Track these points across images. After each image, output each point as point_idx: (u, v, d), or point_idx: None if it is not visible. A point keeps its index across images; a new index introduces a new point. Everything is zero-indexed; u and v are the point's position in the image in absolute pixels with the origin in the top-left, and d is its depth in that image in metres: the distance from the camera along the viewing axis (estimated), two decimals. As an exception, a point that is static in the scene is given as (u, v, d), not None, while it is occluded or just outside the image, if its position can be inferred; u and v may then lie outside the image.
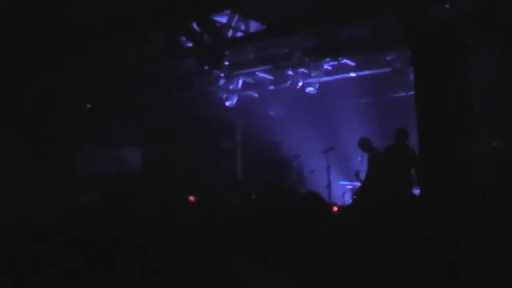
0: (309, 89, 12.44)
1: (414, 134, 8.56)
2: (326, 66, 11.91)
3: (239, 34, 10.87)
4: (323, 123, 13.31)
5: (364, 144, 10.59)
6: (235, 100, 13.46)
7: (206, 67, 11.75)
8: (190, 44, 10.78)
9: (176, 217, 6.56)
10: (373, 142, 10.63)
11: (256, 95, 13.80)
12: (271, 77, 12.89)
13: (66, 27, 8.55)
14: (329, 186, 11.43)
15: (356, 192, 10.96)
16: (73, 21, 8.41)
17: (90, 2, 8.40)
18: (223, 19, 10.65)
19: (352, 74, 11.99)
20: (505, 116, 7.63)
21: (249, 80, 13.29)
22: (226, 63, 12.14)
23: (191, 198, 10.91)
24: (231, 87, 13.16)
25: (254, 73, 12.73)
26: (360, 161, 10.67)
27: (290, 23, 9.37)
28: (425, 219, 5.38)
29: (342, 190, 11.86)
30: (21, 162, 8.80)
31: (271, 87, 13.11)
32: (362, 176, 10.55)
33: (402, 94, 12.28)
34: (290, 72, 12.20)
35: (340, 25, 9.51)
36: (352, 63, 11.71)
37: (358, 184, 10.87)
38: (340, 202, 11.19)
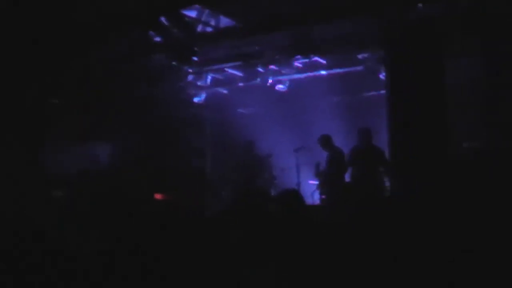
0: (280, 87, 12.54)
1: (382, 133, 8.86)
2: (296, 64, 12.01)
3: (209, 29, 10.94)
4: (294, 121, 13.40)
5: (325, 141, 10.86)
6: (203, 96, 13.48)
7: (174, 63, 11.81)
8: (159, 39, 10.80)
9: (142, 216, 6.49)
10: (344, 141, 10.92)
11: (225, 91, 13.84)
12: (241, 74, 12.95)
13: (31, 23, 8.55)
14: (298, 185, 11.53)
15: (321, 191, 11.14)
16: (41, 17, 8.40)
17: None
18: (193, 14, 10.69)
19: (323, 72, 12.13)
20: (477, 117, 7.89)
21: (219, 76, 13.33)
22: (195, 59, 12.04)
23: (158, 196, 10.94)
24: (199, 83, 13.20)
25: (223, 69, 12.77)
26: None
27: (263, 21, 9.46)
28: (398, 222, 5.42)
29: (311, 189, 11.93)
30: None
31: (241, 84, 13.16)
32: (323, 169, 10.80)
33: (374, 93, 12.43)
34: (260, 69, 12.28)
35: (315, 24, 9.62)
36: (323, 61, 11.86)
37: (317, 178, 11.13)
38: (308, 201, 11.03)
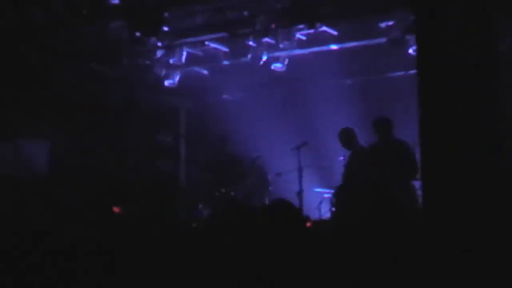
0: (276, 66, 12.41)
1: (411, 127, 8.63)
2: (298, 35, 11.88)
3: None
4: (294, 111, 13.45)
5: (348, 137, 10.69)
6: (177, 78, 13.33)
7: (138, 34, 11.61)
8: (117, 2, 10.80)
9: (94, 233, 6.44)
10: (360, 136, 10.74)
11: (205, 72, 13.81)
12: (225, 49, 12.87)
13: None
14: (300, 193, 11.40)
15: (335, 203, 10.96)
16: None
17: None
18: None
19: (334, 47, 12.05)
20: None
21: (197, 52, 13.20)
22: (166, 28, 11.99)
23: (116, 209, 10.77)
24: (172, 61, 12.97)
25: (203, 42, 12.65)
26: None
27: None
28: (428, 242, 5.51)
29: (318, 199, 11.93)
30: None
31: (226, 62, 13.11)
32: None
33: (400, 73, 12.51)
34: (251, 43, 12.16)
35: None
36: (334, 32, 11.76)
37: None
38: (315, 215, 11.28)
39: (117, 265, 5.41)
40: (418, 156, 8.73)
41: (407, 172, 9.96)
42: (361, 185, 10.31)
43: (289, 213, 5.63)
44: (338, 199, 10.84)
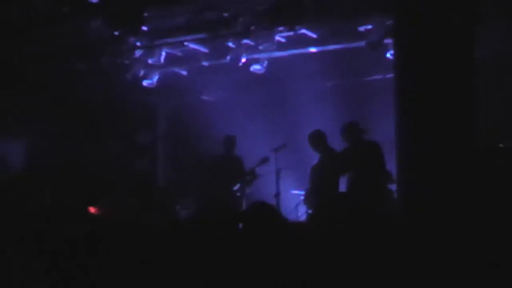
0: (255, 67, 12.45)
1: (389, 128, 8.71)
2: (278, 38, 11.86)
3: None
4: (273, 112, 13.46)
5: (318, 140, 10.82)
6: (155, 78, 13.32)
7: (117, 32, 11.55)
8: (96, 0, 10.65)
9: (72, 235, 6.35)
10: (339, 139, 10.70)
11: (184, 73, 13.71)
12: (205, 50, 12.79)
13: None
14: (277, 195, 11.47)
15: (308, 203, 11.06)
16: None
17: None
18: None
19: (313, 49, 12.03)
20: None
21: (176, 52, 13.14)
22: (145, 28, 11.88)
23: (92, 209, 10.70)
24: (150, 61, 12.89)
25: (182, 43, 12.56)
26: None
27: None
28: (405, 244, 5.33)
29: (295, 202, 11.95)
30: None
31: (205, 63, 13.00)
32: None
33: (378, 76, 12.53)
34: (230, 44, 12.13)
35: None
36: (313, 35, 11.73)
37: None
38: (291, 217, 11.24)
39: (92, 266, 5.36)
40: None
41: (377, 175, 10.16)
42: (330, 190, 10.40)
43: (271, 216, 5.60)
44: (308, 203, 10.99)
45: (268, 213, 5.52)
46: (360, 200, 9.39)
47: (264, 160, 11.87)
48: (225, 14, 11.56)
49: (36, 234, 5.84)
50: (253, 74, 12.56)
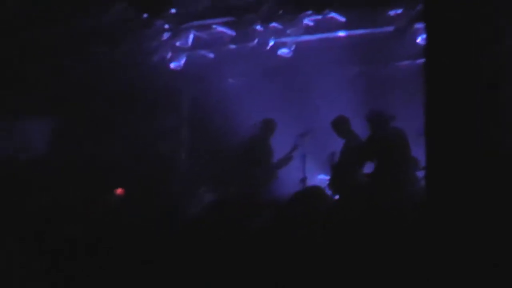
0: (283, 51, 12.37)
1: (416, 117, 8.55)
2: (306, 22, 11.82)
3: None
4: (299, 97, 13.32)
5: (342, 125, 10.96)
6: (182, 61, 13.19)
7: (144, 15, 11.59)
8: None
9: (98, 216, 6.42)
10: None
11: (211, 55, 13.68)
12: (232, 33, 12.72)
13: None
14: (304, 181, 11.47)
15: (333, 189, 11.08)
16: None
17: None
18: None
19: (341, 34, 11.99)
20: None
21: (203, 35, 13.07)
22: (173, 11, 11.95)
23: (119, 191, 10.79)
24: (178, 43, 12.86)
25: (210, 26, 12.56)
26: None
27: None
28: (430, 236, 5.40)
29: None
30: None
31: (232, 46, 12.98)
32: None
33: (407, 62, 12.39)
34: (258, 28, 12.07)
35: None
36: (342, 19, 11.70)
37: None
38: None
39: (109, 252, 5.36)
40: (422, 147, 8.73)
41: (403, 163, 10.07)
42: (355, 176, 10.50)
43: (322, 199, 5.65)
44: (333, 188, 10.97)
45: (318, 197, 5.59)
46: (384, 190, 9.40)
47: (296, 147, 11.83)
48: None
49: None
50: (280, 58, 12.48)
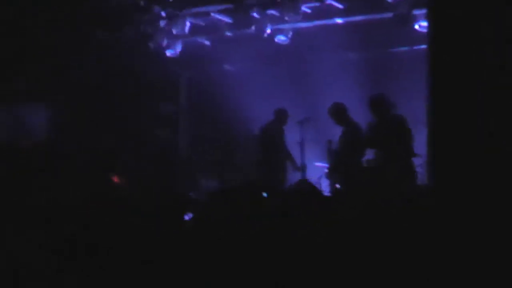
0: (280, 38, 12.35)
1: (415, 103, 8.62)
2: (304, 8, 11.79)
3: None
4: (297, 84, 13.21)
5: (339, 113, 10.85)
6: (179, 48, 13.17)
7: (142, 2, 11.67)
8: None
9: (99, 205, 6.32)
10: (363, 112, 10.68)
11: (207, 43, 13.62)
12: (229, 20, 12.66)
13: None
14: (303, 168, 11.56)
15: (332, 177, 11.07)
16: None
17: None
18: None
19: (339, 20, 11.97)
20: None
21: (199, 22, 13.04)
22: None
23: (115, 179, 10.72)
24: (175, 31, 12.81)
25: (207, 13, 12.54)
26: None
27: None
28: (433, 223, 5.36)
29: (318, 174, 11.77)
30: None
31: (229, 33, 12.92)
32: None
33: (405, 48, 12.43)
34: (255, 14, 12.04)
35: None
36: (340, 5, 11.67)
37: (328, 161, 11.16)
38: None
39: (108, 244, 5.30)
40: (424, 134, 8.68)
41: (405, 150, 9.94)
42: (355, 165, 10.41)
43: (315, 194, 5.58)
44: (332, 177, 11.00)
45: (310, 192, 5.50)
46: (387, 176, 9.34)
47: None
48: None
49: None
50: (277, 45, 12.47)
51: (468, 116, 7.25)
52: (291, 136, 11.81)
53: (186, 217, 5.84)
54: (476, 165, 7.12)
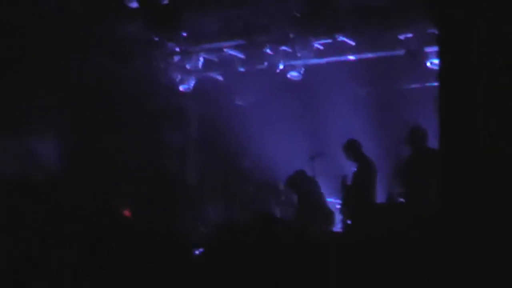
0: (292, 74, 12.35)
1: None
2: (316, 45, 11.86)
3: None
4: (309, 120, 13.24)
5: (353, 148, 10.66)
6: (192, 83, 13.24)
7: (156, 38, 11.68)
8: (135, 5, 10.65)
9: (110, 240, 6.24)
10: (374, 148, 10.82)
11: (220, 78, 13.65)
12: (241, 56, 12.72)
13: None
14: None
15: (345, 213, 10.85)
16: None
17: None
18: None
19: (351, 57, 11.97)
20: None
21: (213, 58, 13.12)
22: (184, 34, 12.03)
23: (127, 213, 10.66)
24: (188, 66, 12.89)
25: (220, 49, 12.60)
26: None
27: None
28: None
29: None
30: None
31: (241, 69, 12.94)
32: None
33: (416, 85, 12.43)
34: (268, 51, 12.11)
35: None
36: (352, 42, 11.66)
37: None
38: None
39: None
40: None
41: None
42: (368, 201, 10.30)
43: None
44: (345, 213, 10.79)
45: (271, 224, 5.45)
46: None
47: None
48: (264, 21, 11.57)
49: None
50: (288, 80, 12.46)
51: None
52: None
53: (196, 252, 5.79)
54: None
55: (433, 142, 8.61)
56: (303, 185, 11.26)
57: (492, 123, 7.21)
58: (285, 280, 4.86)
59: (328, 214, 11.34)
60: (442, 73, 7.86)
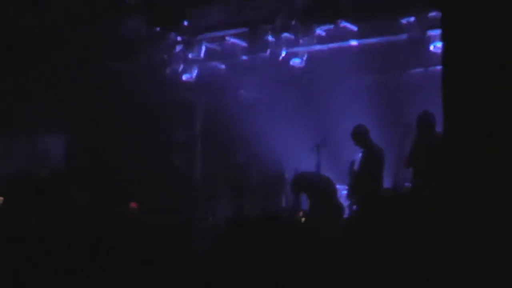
0: (295, 61, 12.31)
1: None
2: (318, 31, 11.76)
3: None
4: (312, 108, 13.19)
5: (362, 135, 10.66)
6: (195, 73, 13.16)
7: (158, 29, 11.66)
8: None
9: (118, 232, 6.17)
10: (379, 135, 10.80)
11: (223, 67, 13.62)
12: (244, 44, 12.65)
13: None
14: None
15: (353, 200, 10.90)
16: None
17: None
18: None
19: (354, 43, 11.86)
20: None
21: (215, 47, 13.03)
22: (186, 23, 11.97)
23: (133, 205, 10.64)
24: (190, 55, 12.80)
25: (222, 37, 12.53)
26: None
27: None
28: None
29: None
30: None
31: (244, 57, 12.92)
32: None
33: (421, 70, 12.36)
34: (270, 38, 12.02)
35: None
36: (354, 28, 11.61)
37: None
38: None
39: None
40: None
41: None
42: (376, 187, 10.21)
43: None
44: (353, 198, 10.82)
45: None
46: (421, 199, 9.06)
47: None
48: (266, 9, 11.58)
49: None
50: (292, 69, 12.43)
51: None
52: (308, 159, 11.56)
53: (204, 245, 5.69)
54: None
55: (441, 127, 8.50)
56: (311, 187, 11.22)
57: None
58: (293, 276, 4.77)
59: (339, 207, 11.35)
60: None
